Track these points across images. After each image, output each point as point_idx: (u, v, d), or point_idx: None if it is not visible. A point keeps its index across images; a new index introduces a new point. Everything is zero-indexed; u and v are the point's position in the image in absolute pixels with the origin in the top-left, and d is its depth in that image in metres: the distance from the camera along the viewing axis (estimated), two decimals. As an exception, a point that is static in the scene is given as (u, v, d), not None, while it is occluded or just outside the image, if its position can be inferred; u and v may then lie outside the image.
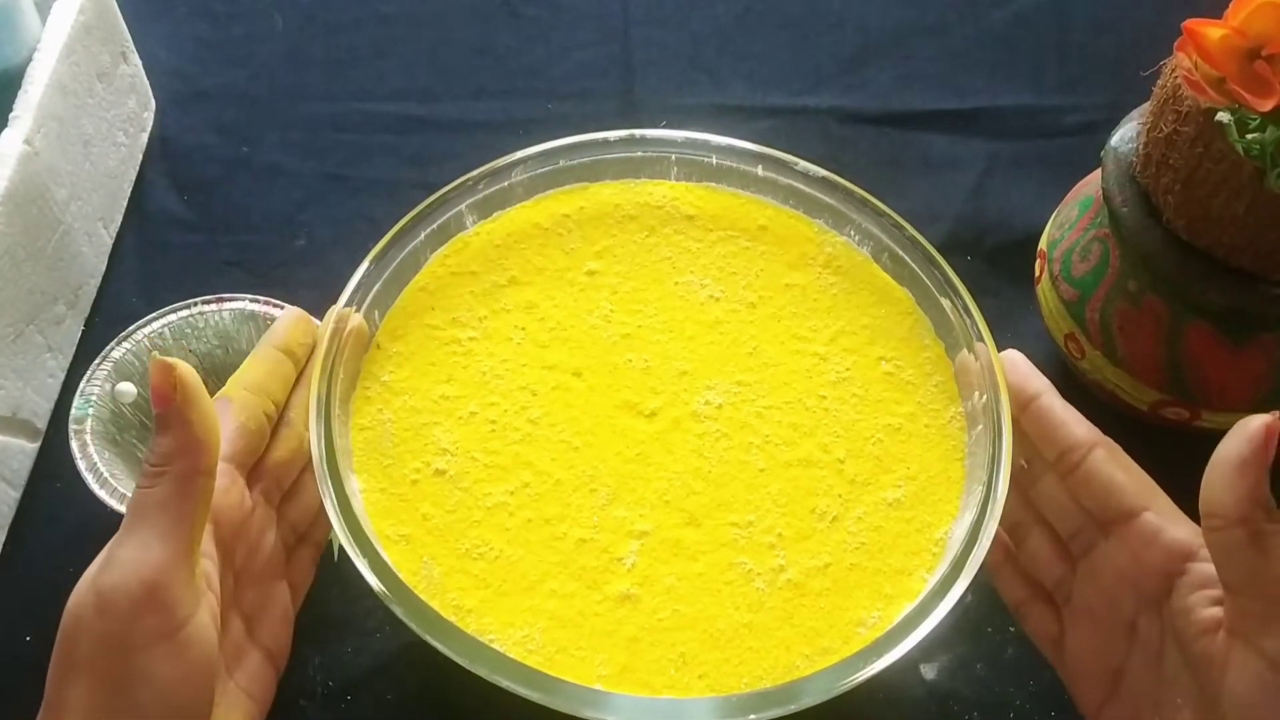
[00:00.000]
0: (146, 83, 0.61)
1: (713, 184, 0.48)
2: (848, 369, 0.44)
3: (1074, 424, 0.39)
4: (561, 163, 0.47)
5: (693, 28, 0.68)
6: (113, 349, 0.48)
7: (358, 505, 0.39)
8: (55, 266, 0.51)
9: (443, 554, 0.40)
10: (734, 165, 0.48)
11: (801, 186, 0.47)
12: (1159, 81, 0.45)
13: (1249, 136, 0.41)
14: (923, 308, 0.45)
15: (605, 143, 0.48)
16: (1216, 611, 0.34)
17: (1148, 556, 0.37)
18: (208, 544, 0.36)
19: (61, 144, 0.51)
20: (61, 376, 0.52)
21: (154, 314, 0.49)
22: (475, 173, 0.46)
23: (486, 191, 0.46)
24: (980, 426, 0.41)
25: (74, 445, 0.45)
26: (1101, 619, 0.39)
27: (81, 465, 0.45)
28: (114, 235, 0.57)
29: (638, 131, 0.48)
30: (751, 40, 0.68)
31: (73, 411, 0.46)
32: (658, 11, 0.68)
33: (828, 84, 0.66)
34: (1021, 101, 0.65)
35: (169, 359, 0.33)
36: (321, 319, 0.42)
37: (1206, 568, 0.35)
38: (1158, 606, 0.37)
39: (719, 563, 0.40)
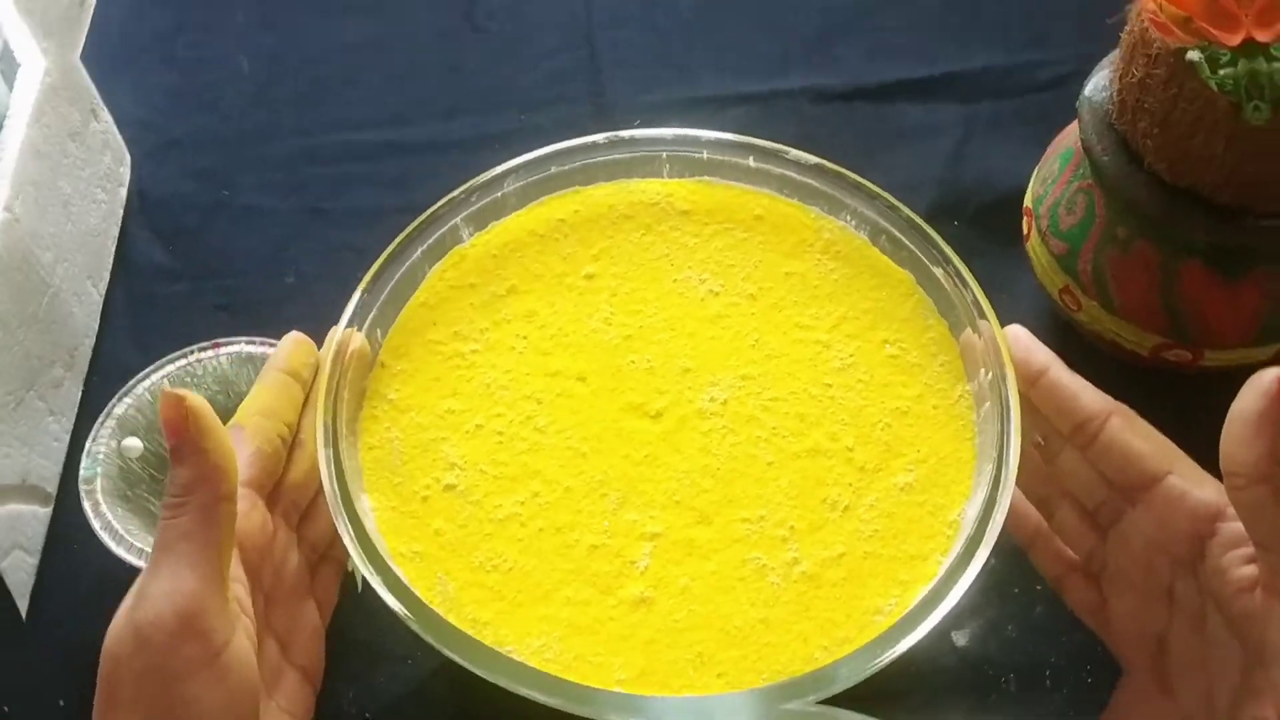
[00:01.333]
0: (119, 137, 0.61)
1: (705, 178, 0.48)
2: (851, 355, 0.44)
3: (1086, 394, 0.39)
4: (553, 169, 0.47)
5: (657, 24, 0.68)
6: (114, 406, 0.48)
7: (370, 525, 0.40)
8: (48, 330, 0.51)
9: (457, 569, 0.40)
10: (725, 158, 0.48)
11: (794, 175, 0.47)
12: (1126, 27, 0.45)
13: (1221, 73, 0.41)
14: (924, 288, 0.45)
15: (595, 146, 0.48)
16: (1251, 570, 0.34)
17: (1175, 521, 0.36)
18: (236, 569, 0.36)
19: (41, 207, 0.51)
20: (66, 439, 0.52)
21: (151, 366, 0.49)
22: (467, 185, 0.46)
23: (480, 203, 0.46)
24: (988, 404, 0.41)
25: (86, 505, 0.45)
26: (1138, 586, 0.38)
27: (96, 525, 0.45)
28: (103, 292, 0.57)
29: (626, 132, 0.48)
30: (716, 30, 0.67)
31: (81, 472, 0.46)
32: (620, 12, 0.68)
33: (796, 65, 0.66)
34: (992, 62, 0.65)
35: (178, 390, 0.33)
36: (321, 346, 0.42)
37: (1236, 526, 0.35)
38: (1193, 569, 0.36)
39: (732, 560, 0.40)
